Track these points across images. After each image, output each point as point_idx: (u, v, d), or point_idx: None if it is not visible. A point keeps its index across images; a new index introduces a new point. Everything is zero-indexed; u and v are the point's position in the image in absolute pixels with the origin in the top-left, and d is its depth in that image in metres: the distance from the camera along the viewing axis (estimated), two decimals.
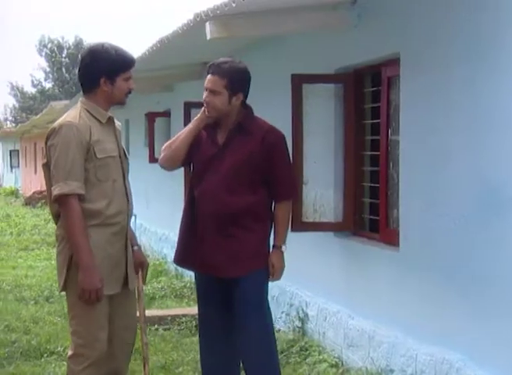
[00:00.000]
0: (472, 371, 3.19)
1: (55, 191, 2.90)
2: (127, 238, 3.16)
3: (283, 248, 3.33)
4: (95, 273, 2.90)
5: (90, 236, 2.94)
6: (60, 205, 2.95)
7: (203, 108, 3.36)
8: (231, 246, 3.26)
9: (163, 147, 3.47)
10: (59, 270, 3.04)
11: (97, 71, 3.06)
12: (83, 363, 3.00)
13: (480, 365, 3.16)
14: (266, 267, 3.30)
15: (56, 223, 3.10)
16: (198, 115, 3.38)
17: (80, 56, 3.19)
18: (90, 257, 2.90)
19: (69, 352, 3.09)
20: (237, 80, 3.23)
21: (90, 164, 2.97)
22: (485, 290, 3.16)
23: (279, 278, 3.37)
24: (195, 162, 3.40)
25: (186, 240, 3.39)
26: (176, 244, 3.52)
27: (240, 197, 3.23)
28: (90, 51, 3.12)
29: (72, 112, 3.08)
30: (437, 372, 3.45)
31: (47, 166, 3.02)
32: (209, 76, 3.26)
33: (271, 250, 3.34)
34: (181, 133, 3.42)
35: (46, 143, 3.01)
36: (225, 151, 3.26)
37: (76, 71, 3.23)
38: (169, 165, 3.46)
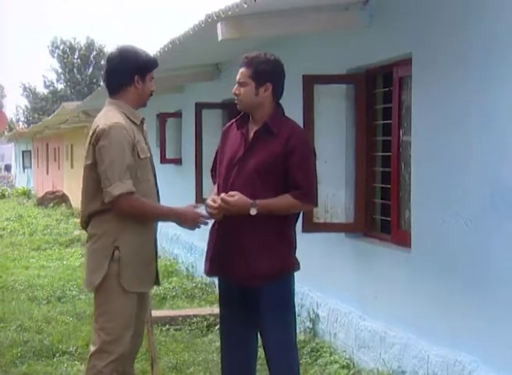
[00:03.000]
0: (485, 373, 3.18)
1: (114, 190, 2.98)
2: (156, 237, 3.28)
3: (253, 209, 3.06)
4: (180, 215, 3.19)
5: (128, 234, 3.05)
6: (118, 204, 3.01)
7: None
8: (258, 251, 3.15)
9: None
10: (95, 267, 3.09)
11: (131, 69, 3.13)
12: (107, 359, 3.06)
13: (493, 367, 3.14)
14: (292, 272, 3.27)
15: (87, 223, 3.17)
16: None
17: (107, 58, 3.24)
18: (169, 211, 3.22)
19: (93, 348, 3.13)
20: (263, 70, 3.15)
21: (133, 164, 3.07)
22: (498, 292, 3.14)
23: (216, 213, 3.13)
24: (220, 161, 3.31)
25: (213, 247, 3.25)
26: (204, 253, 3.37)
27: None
28: (119, 51, 3.19)
29: (113, 114, 3.13)
30: (449, 374, 3.43)
31: (91, 167, 3.11)
32: (240, 69, 3.20)
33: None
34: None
35: (92, 144, 3.09)
36: (251, 152, 3.18)
37: (103, 73, 3.26)
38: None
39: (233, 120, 3.36)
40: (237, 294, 3.24)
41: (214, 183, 3.40)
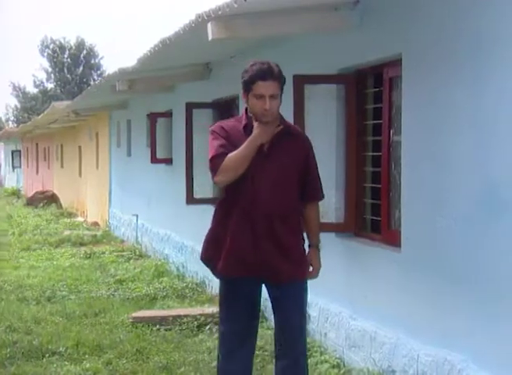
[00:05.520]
0: (474, 372, 3.19)
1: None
2: None
3: (320, 245, 3.44)
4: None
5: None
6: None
7: (257, 125, 3.23)
8: (286, 250, 3.29)
9: (223, 168, 3.20)
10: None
11: None
12: None
13: (482, 366, 3.16)
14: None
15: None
16: (255, 132, 3.22)
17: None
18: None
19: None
20: (284, 81, 3.28)
21: None
22: (488, 291, 3.16)
23: (316, 277, 3.44)
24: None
25: (238, 248, 3.25)
26: (220, 257, 3.31)
27: (289, 198, 3.29)
28: None
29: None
30: (439, 373, 3.45)
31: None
32: (269, 82, 3.18)
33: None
34: (239, 156, 3.21)
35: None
36: (274, 154, 3.26)
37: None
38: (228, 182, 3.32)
39: (232, 122, 3.37)
40: (258, 294, 3.33)
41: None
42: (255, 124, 3.24)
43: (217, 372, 3.47)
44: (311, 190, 3.40)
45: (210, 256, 3.37)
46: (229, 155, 3.21)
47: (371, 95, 4.55)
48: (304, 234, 3.42)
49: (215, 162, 3.23)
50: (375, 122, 4.46)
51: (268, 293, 3.36)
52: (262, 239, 3.23)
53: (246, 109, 3.35)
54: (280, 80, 3.23)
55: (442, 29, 3.50)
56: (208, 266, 3.43)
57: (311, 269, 3.39)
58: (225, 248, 3.26)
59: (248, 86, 3.23)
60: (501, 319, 3.07)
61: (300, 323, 3.33)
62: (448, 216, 3.42)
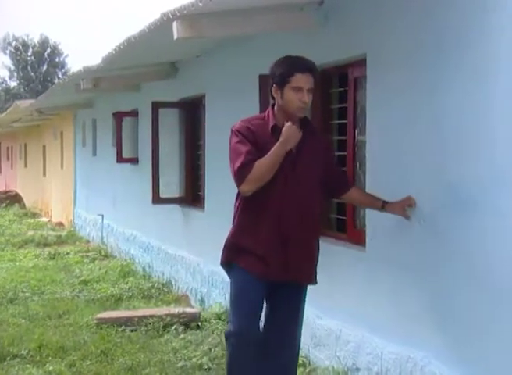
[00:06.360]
0: (436, 368, 3.24)
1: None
2: None
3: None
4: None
5: None
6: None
7: (286, 128, 3.09)
8: (313, 251, 3.30)
9: (252, 178, 3.08)
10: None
11: None
12: None
13: (443, 362, 3.20)
14: None
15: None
16: (285, 137, 3.10)
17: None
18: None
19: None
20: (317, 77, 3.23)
21: None
22: (450, 290, 3.20)
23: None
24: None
25: (268, 249, 3.17)
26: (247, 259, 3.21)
27: (315, 199, 3.26)
28: None
29: None
30: (402, 370, 3.49)
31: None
32: (307, 75, 3.11)
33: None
34: (270, 164, 3.09)
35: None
36: (302, 155, 3.19)
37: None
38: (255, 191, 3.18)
39: (257, 121, 3.23)
40: (277, 292, 3.27)
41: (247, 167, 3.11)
42: (286, 125, 3.10)
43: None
44: (340, 183, 3.39)
45: (233, 259, 3.23)
46: (258, 163, 3.07)
47: (336, 95, 4.58)
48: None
49: (243, 172, 3.08)
50: (340, 122, 4.49)
51: (275, 293, 3.26)
52: (292, 240, 3.18)
53: (273, 107, 3.22)
54: (316, 74, 3.15)
55: (406, 30, 3.54)
56: (228, 271, 3.31)
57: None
58: (255, 251, 3.15)
59: (285, 78, 3.10)
60: (462, 317, 3.12)
61: (299, 321, 3.36)
62: (412, 215, 3.45)
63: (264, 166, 3.07)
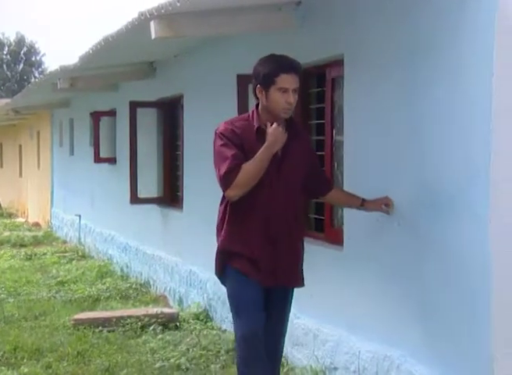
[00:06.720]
0: (412, 366, 3.27)
1: None
2: None
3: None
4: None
5: None
6: None
7: (272, 130, 3.03)
8: (299, 253, 3.26)
9: (239, 183, 3.02)
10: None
11: None
12: None
13: (419, 360, 3.23)
14: None
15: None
16: (271, 139, 3.03)
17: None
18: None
19: None
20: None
21: None
22: (426, 289, 3.23)
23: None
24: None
25: (259, 253, 3.13)
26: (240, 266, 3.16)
27: (299, 199, 3.23)
28: None
29: None
30: (379, 368, 3.51)
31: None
32: (293, 75, 3.04)
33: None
34: (257, 168, 3.03)
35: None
36: (287, 156, 3.14)
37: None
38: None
39: (241, 122, 3.15)
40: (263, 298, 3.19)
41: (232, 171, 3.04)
42: (270, 128, 3.03)
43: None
44: (323, 183, 3.36)
45: (226, 262, 3.17)
46: (245, 167, 3.00)
47: (314, 95, 4.59)
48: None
49: (229, 177, 3.01)
50: (318, 122, 4.51)
51: (269, 296, 3.21)
52: (280, 242, 3.15)
53: (257, 107, 3.15)
54: (300, 73, 3.10)
55: (383, 30, 3.56)
56: (221, 275, 3.25)
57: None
58: (247, 255, 3.10)
59: (270, 79, 3.02)
60: (437, 316, 3.15)
61: (285, 324, 3.35)
62: (390, 215, 3.48)
63: (251, 170, 3.01)
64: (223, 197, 3.18)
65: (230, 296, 3.22)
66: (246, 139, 3.08)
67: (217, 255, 3.24)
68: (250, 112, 3.21)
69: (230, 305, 3.24)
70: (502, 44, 2.76)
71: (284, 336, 3.37)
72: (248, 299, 3.12)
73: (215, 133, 3.14)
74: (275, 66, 3.05)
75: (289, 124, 3.17)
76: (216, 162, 3.09)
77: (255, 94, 3.15)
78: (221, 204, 3.22)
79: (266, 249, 3.13)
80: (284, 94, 3.04)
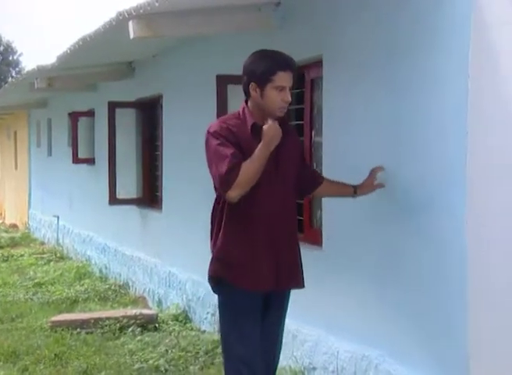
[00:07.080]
0: (390, 366, 3.29)
1: None
2: None
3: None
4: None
5: None
6: None
7: (268, 127, 2.89)
8: (297, 252, 3.16)
9: (241, 183, 2.86)
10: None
11: None
12: None
13: (397, 360, 3.25)
14: None
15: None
16: (269, 136, 2.90)
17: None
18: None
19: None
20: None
21: None
22: (404, 289, 3.25)
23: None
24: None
25: (261, 257, 2.99)
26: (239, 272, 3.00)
27: (293, 196, 3.13)
28: None
29: None
30: (357, 368, 3.53)
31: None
32: (289, 73, 2.93)
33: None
34: (257, 166, 2.89)
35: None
36: (282, 154, 3.02)
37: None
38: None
39: (234, 120, 3.02)
40: (261, 303, 3.07)
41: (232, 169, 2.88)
42: (268, 124, 2.89)
43: None
44: (314, 178, 3.27)
45: (224, 274, 2.99)
46: (245, 166, 2.86)
47: (293, 96, 4.58)
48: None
49: (229, 177, 2.84)
50: (297, 122, 4.51)
51: (267, 300, 3.09)
52: (281, 242, 3.04)
53: (247, 103, 3.02)
54: (295, 70, 3.00)
55: (360, 31, 3.58)
56: (216, 285, 3.05)
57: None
58: (248, 261, 2.96)
59: (267, 77, 2.89)
60: (415, 316, 3.17)
61: (282, 327, 3.24)
62: (367, 215, 3.49)
63: (251, 169, 2.87)
64: (217, 199, 3.04)
65: (227, 313, 3.06)
66: (241, 137, 2.96)
67: (213, 263, 3.05)
68: (240, 109, 3.08)
69: (226, 321, 3.06)
70: (477, 46, 2.79)
71: (281, 336, 3.23)
72: (250, 324, 2.99)
73: (208, 132, 2.99)
74: (271, 63, 2.95)
75: (281, 122, 3.05)
76: (213, 162, 2.92)
77: (246, 92, 3.05)
78: (216, 204, 3.05)
79: (268, 251, 3.00)
80: (281, 93, 2.94)
